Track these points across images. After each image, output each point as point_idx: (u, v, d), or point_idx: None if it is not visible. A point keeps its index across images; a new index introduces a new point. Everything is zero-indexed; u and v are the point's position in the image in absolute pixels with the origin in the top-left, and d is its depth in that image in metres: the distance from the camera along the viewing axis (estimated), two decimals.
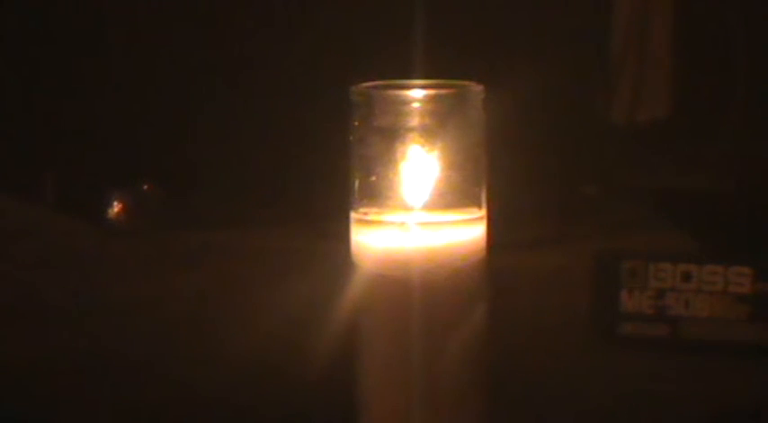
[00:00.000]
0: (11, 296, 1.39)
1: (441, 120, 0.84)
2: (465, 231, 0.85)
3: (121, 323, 1.28)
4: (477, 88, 0.85)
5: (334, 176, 0.91)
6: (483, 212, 0.86)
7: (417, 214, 0.84)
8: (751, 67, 1.86)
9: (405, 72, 0.90)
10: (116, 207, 1.67)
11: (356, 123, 0.85)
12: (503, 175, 0.92)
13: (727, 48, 1.87)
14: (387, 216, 0.85)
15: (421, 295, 0.84)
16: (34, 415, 1.02)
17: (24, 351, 1.19)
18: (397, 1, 1.61)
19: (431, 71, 0.92)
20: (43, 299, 1.38)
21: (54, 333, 1.25)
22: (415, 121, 0.84)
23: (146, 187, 1.69)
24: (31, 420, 1.02)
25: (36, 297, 1.39)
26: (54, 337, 1.24)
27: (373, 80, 0.86)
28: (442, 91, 0.85)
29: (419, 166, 0.84)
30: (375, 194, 0.85)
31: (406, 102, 0.84)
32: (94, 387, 1.09)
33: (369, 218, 0.85)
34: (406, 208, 0.85)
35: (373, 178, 0.84)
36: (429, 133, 0.84)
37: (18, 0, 1.79)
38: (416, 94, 0.84)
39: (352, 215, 0.86)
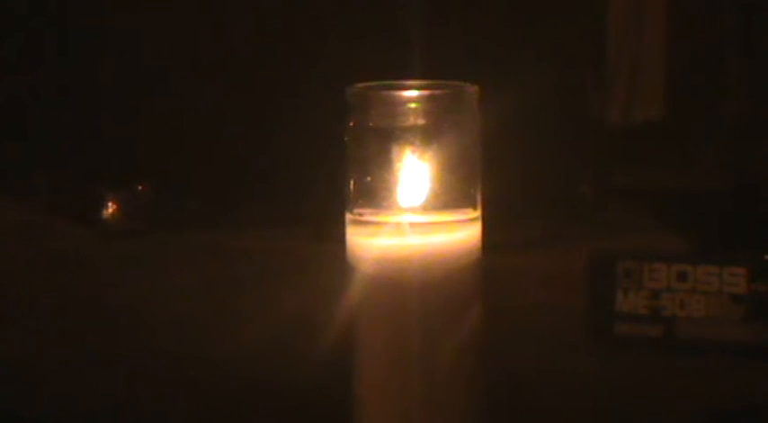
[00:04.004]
0: (4, 297, 1.38)
1: (436, 120, 0.84)
2: (460, 232, 0.84)
3: (117, 324, 1.28)
4: (472, 89, 0.85)
5: (329, 177, 0.91)
6: (478, 213, 0.86)
7: (413, 215, 0.84)
8: (746, 67, 1.86)
9: (400, 73, 0.90)
10: (110, 208, 1.67)
11: (351, 124, 0.85)
12: (498, 175, 0.92)
13: (722, 47, 1.87)
14: (382, 217, 0.84)
15: (417, 295, 0.84)
16: (32, 415, 1.02)
17: (20, 352, 1.19)
18: (394, 1, 1.61)
19: (426, 72, 0.91)
20: (37, 300, 1.38)
21: (49, 334, 1.25)
22: (410, 122, 0.84)
23: (140, 188, 1.69)
24: (29, 421, 1.02)
25: (30, 298, 1.38)
26: (48, 338, 1.23)
27: (369, 81, 0.86)
28: (438, 91, 0.85)
29: (414, 167, 0.84)
30: (370, 195, 0.85)
31: (402, 102, 0.84)
32: (87, 388, 1.09)
33: (364, 218, 0.85)
34: (402, 209, 0.84)
35: (369, 179, 0.84)
36: (424, 134, 0.84)
37: (15, 0, 1.78)
38: (412, 95, 0.84)
39: (348, 216, 0.86)
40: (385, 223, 0.84)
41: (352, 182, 0.85)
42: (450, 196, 0.85)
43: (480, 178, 0.86)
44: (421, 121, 0.84)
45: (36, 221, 1.71)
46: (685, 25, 1.93)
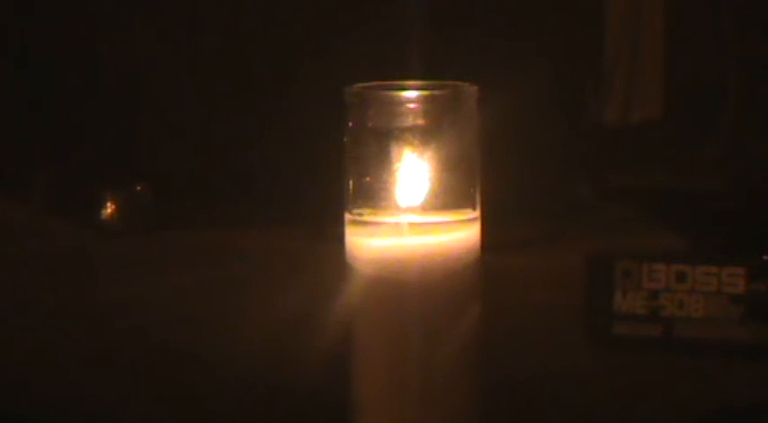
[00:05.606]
0: (3, 297, 1.38)
1: (435, 120, 0.84)
2: (459, 232, 0.85)
3: (115, 324, 1.28)
4: (470, 89, 0.85)
5: (328, 177, 0.91)
6: (477, 213, 0.86)
7: (412, 215, 0.84)
8: (744, 67, 1.86)
9: (399, 73, 0.90)
10: (109, 207, 1.67)
11: (350, 124, 0.85)
12: (497, 175, 0.92)
13: (720, 48, 1.87)
14: (381, 217, 0.85)
15: (415, 296, 0.84)
16: (32, 415, 1.02)
17: (17, 352, 1.19)
18: (394, 1, 1.61)
19: (425, 72, 0.92)
20: (35, 300, 1.38)
21: (46, 334, 1.25)
22: (409, 122, 0.84)
23: (139, 188, 1.69)
24: (29, 421, 1.02)
25: (28, 298, 1.38)
26: (46, 338, 1.23)
27: (368, 81, 0.86)
28: (437, 92, 0.85)
29: (413, 167, 0.84)
30: (369, 195, 0.85)
31: (401, 102, 0.84)
32: (87, 388, 1.09)
33: (363, 219, 0.85)
34: (401, 209, 0.85)
35: (367, 179, 0.85)
36: (423, 134, 0.84)
37: (13, 1, 1.79)
38: (410, 95, 0.84)
39: (347, 216, 0.86)
40: (384, 223, 0.84)
41: (351, 182, 0.85)
42: (449, 196, 0.85)
43: (479, 178, 0.86)
44: (420, 122, 0.84)
45: (36, 221, 1.71)
46: (684, 25, 1.93)
